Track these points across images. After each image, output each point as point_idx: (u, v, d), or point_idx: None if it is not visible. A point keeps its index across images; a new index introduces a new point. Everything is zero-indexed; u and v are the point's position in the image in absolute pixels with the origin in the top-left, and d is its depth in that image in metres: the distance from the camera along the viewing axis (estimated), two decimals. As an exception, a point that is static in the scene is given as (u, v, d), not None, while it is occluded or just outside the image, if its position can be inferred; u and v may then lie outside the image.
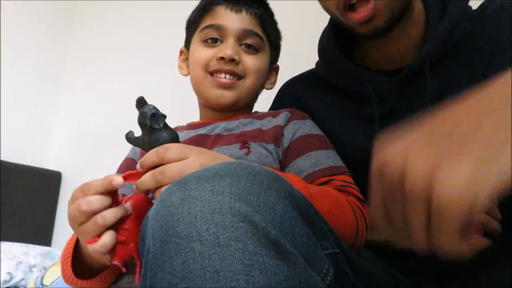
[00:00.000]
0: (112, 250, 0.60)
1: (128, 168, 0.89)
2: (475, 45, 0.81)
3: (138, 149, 0.91)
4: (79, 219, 0.61)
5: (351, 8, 0.81)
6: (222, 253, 0.41)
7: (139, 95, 0.68)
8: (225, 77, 0.88)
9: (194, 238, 0.42)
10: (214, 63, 0.88)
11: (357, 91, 0.90)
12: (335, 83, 0.95)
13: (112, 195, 0.62)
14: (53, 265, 1.61)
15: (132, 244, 0.60)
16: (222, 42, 0.90)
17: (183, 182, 0.46)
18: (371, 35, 0.84)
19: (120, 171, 0.90)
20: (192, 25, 0.97)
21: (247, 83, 0.89)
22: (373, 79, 0.87)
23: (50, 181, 2.32)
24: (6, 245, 1.72)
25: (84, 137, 2.38)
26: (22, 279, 1.63)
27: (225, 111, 0.92)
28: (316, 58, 1.01)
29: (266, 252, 0.42)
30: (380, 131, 0.83)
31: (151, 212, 0.47)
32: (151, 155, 0.62)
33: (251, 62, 0.89)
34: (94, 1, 2.52)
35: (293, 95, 1.02)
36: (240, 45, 0.90)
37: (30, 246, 1.80)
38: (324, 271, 0.50)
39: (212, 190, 0.44)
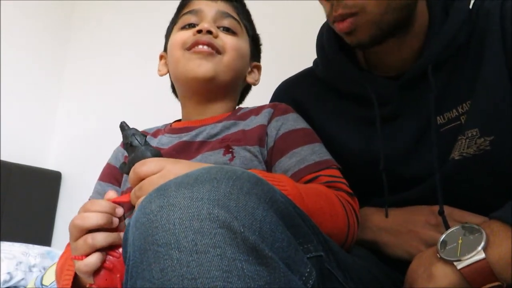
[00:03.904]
0: (96, 274, 0.62)
1: (112, 175, 0.90)
2: (476, 49, 0.80)
3: (120, 156, 0.91)
4: (74, 234, 0.63)
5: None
6: (200, 260, 0.41)
7: (122, 121, 0.72)
8: (203, 47, 0.85)
9: (173, 245, 0.42)
10: (191, 39, 0.86)
11: (358, 93, 0.88)
12: (335, 84, 0.94)
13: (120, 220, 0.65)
14: (53, 265, 1.62)
15: (118, 275, 0.61)
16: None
17: (162, 189, 0.47)
18: (356, 47, 0.83)
19: (103, 178, 0.90)
20: (170, 25, 0.98)
21: (226, 58, 0.87)
22: (374, 82, 0.86)
23: (50, 181, 2.34)
24: (6, 245, 1.73)
25: (84, 137, 2.38)
26: (22, 279, 1.64)
27: (206, 96, 0.89)
28: (304, 58, 1.00)
29: (245, 257, 0.42)
30: (381, 135, 0.83)
31: (132, 220, 0.47)
32: (131, 173, 0.65)
33: (229, 39, 0.88)
34: (94, 1, 2.53)
35: (291, 97, 1.00)
36: (218, 27, 0.89)
37: (30, 246, 1.81)
38: (306, 275, 0.49)
39: (191, 196, 0.44)
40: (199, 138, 0.85)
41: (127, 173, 0.69)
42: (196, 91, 0.90)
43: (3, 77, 2.24)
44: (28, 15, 2.40)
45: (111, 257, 0.62)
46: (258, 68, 1.00)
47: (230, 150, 0.80)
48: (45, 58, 2.50)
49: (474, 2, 0.84)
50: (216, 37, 0.86)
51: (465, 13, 0.81)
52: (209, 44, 0.85)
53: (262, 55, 1.04)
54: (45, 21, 2.50)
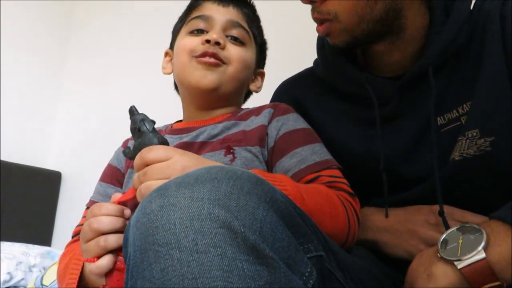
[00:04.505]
0: (108, 275, 0.62)
1: (113, 177, 0.90)
2: (476, 50, 0.80)
3: (122, 157, 0.90)
4: (87, 236, 0.64)
5: None
6: (200, 259, 0.41)
7: (131, 104, 0.71)
8: (209, 59, 0.86)
9: (173, 245, 0.42)
10: (200, 48, 0.86)
11: (358, 94, 0.88)
12: (335, 84, 0.94)
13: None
14: (53, 265, 1.62)
15: None
16: (208, 33, 0.89)
17: (163, 189, 0.47)
18: (340, 48, 0.85)
19: (104, 178, 0.90)
20: (178, 24, 0.97)
21: (231, 69, 0.87)
22: (375, 82, 0.86)
23: (50, 181, 2.33)
24: (6, 245, 1.73)
25: (84, 137, 2.38)
26: (22, 279, 1.63)
27: (208, 104, 0.90)
28: (304, 58, 1.00)
29: (245, 257, 0.42)
30: (381, 135, 0.84)
31: (132, 219, 0.47)
32: (137, 158, 0.65)
33: (236, 50, 0.89)
34: (94, 1, 2.53)
35: (291, 97, 1.00)
36: (226, 36, 0.89)
37: (30, 246, 1.81)
38: (306, 274, 0.50)
39: (191, 196, 0.45)
40: (200, 139, 0.85)
41: (131, 158, 0.69)
42: (199, 98, 0.90)
43: (3, 77, 2.24)
44: (28, 15, 2.40)
45: (121, 257, 0.63)
46: (262, 75, 1.01)
47: (231, 150, 0.80)
48: (45, 58, 2.49)
49: (475, 3, 0.84)
50: (223, 48, 0.87)
51: (465, 14, 0.81)
52: (215, 56, 0.86)
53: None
54: (45, 21, 2.49)
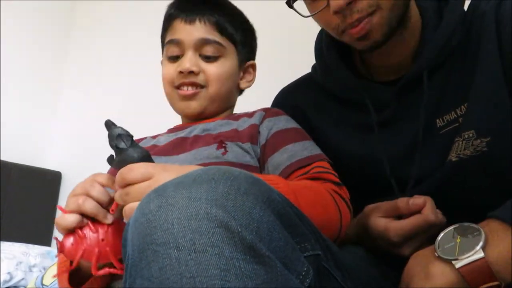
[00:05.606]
0: (67, 235, 0.65)
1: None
2: (472, 51, 0.81)
3: None
4: (75, 191, 0.67)
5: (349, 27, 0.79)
6: (198, 259, 0.42)
7: (107, 118, 0.69)
8: (187, 89, 0.90)
9: (171, 244, 0.43)
10: (178, 78, 0.91)
11: (356, 99, 0.89)
12: (333, 90, 0.95)
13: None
14: (53, 265, 1.63)
15: (84, 247, 0.63)
16: (183, 55, 0.92)
17: (161, 190, 0.47)
18: (368, 50, 0.83)
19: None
20: (161, 38, 1.00)
21: (210, 91, 0.91)
22: (371, 89, 0.87)
23: (50, 181, 2.34)
24: (6, 245, 1.73)
25: (84, 137, 2.39)
26: (22, 279, 1.64)
27: (199, 119, 0.94)
28: (302, 59, 1.00)
29: (242, 256, 0.43)
30: (379, 140, 0.84)
31: (131, 219, 0.48)
32: (117, 177, 0.64)
33: (211, 70, 0.91)
34: (94, 2, 2.53)
35: (292, 104, 1.01)
36: (200, 55, 0.91)
37: (30, 246, 1.80)
38: (303, 273, 0.50)
39: (189, 196, 0.45)
40: (194, 133, 0.89)
41: (115, 168, 0.68)
42: (189, 119, 0.95)
43: (3, 77, 2.25)
44: (28, 15, 2.40)
45: (88, 228, 0.64)
46: (253, 66, 1.01)
47: (223, 145, 0.83)
48: (45, 58, 2.50)
49: (469, 3, 0.85)
50: (198, 73, 0.90)
51: (458, 15, 0.81)
52: (193, 84, 0.90)
53: (262, 60, 1.04)
54: (45, 21, 2.50)
